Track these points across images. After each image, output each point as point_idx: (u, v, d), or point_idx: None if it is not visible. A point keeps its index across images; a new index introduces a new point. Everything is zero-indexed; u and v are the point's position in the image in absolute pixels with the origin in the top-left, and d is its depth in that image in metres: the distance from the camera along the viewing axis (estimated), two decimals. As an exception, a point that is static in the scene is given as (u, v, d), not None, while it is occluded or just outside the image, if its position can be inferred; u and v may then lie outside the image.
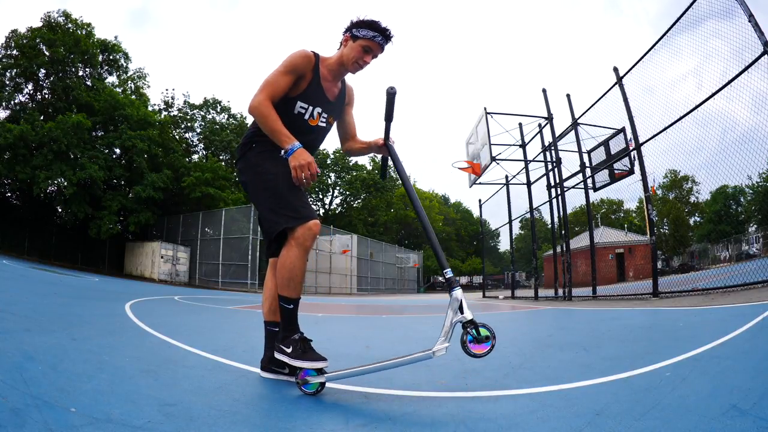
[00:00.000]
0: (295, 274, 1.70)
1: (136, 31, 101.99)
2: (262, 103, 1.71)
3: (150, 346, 2.70)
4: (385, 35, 1.80)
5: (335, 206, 45.96)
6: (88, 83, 24.50)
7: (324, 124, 1.91)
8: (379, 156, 2.08)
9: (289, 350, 1.67)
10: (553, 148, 11.20)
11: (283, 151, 1.71)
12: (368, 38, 1.79)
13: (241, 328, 4.39)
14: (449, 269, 1.59)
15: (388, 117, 1.79)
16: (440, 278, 42.65)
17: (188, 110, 31.50)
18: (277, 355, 1.71)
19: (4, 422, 1.16)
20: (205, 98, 32.08)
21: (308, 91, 1.81)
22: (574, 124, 10.36)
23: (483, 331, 1.46)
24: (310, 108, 1.83)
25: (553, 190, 11.32)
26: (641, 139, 7.91)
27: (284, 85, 1.75)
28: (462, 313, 1.49)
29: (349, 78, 2.00)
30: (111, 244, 24.13)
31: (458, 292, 1.52)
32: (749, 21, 5.62)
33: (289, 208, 1.70)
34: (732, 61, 6.04)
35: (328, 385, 1.81)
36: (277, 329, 1.82)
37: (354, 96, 2.07)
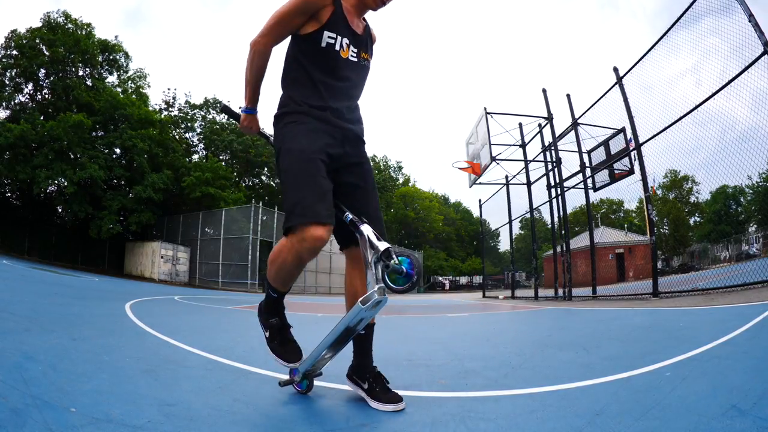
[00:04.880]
0: (284, 272, 1.54)
1: (132, 31, 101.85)
2: (264, 50, 1.55)
3: (150, 346, 2.70)
4: None
5: (335, 206, 45.88)
6: (89, 83, 24.50)
7: (355, 59, 1.62)
8: None
9: (267, 334, 1.65)
10: (553, 148, 11.20)
11: (243, 107, 1.67)
12: None
13: (241, 328, 4.39)
14: (348, 213, 1.50)
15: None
16: (440, 278, 42.64)
17: (189, 110, 31.52)
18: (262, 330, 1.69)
19: (4, 422, 1.16)
20: (205, 98, 32.14)
21: (333, 19, 1.55)
22: (574, 124, 10.36)
23: (402, 260, 1.36)
24: (339, 38, 1.55)
25: (553, 190, 11.32)
26: (641, 139, 7.91)
27: (294, 26, 1.54)
28: (375, 248, 1.38)
29: None
30: (111, 244, 24.13)
31: (365, 228, 1.43)
32: (749, 21, 5.62)
33: (296, 201, 1.44)
34: (731, 58, 6.04)
35: (328, 385, 1.81)
36: (362, 332, 1.61)
37: (376, 41, 1.78)
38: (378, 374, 1.61)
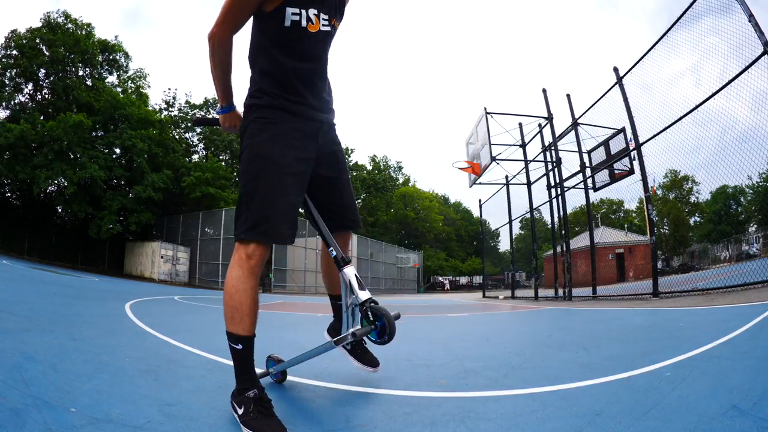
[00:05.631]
0: (238, 301, 1.32)
1: (131, 32, 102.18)
2: (222, 40, 1.38)
3: (150, 346, 2.70)
4: None
5: (335, 206, 45.97)
6: (89, 83, 24.52)
7: (328, 28, 1.45)
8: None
9: (240, 411, 1.27)
10: (553, 148, 11.21)
11: (218, 107, 1.57)
12: None
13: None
14: (333, 248, 1.45)
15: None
16: (440, 278, 42.67)
17: (189, 110, 31.52)
18: (233, 413, 1.34)
19: (4, 422, 1.16)
20: (205, 98, 32.13)
21: None
22: (574, 124, 10.36)
23: (373, 317, 1.30)
24: (303, 11, 1.38)
25: (553, 190, 11.32)
26: (641, 139, 7.91)
27: (251, 7, 1.34)
28: (354, 294, 1.34)
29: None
30: (111, 244, 24.14)
31: (348, 270, 1.38)
32: (749, 21, 5.62)
33: (248, 213, 1.36)
34: (730, 57, 6.04)
35: (328, 385, 1.81)
36: (339, 302, 1.57)
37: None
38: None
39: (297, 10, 1.36)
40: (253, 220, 1.34)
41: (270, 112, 1.43)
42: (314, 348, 1.54)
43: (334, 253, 1.43)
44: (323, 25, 1.43)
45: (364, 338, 1.41)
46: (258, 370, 1.47)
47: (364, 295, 1.33)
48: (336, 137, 1.66)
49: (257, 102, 1.45)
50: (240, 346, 1.33)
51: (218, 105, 1.56)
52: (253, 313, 1.35)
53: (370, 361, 1.75)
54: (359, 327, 1.36)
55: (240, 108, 1.56)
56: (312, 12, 1.39)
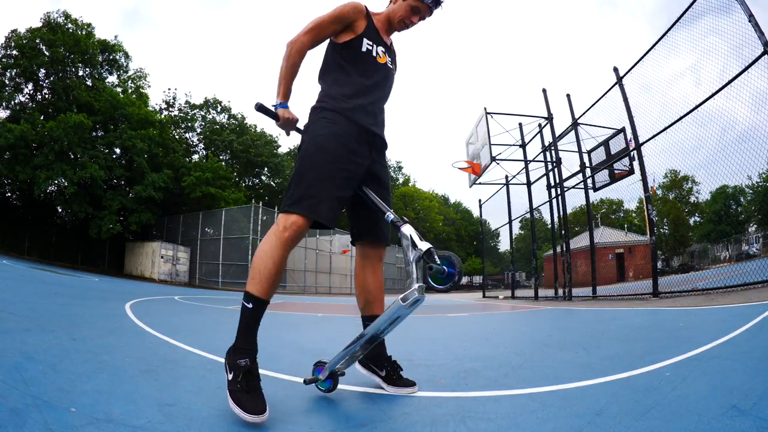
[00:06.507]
0: (264, 266, 1.46)
1: (131, 32, 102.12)
2: (302, 47, 1.68)
3: (150, 346, 2.70)
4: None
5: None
6: (89, 83, 24.49)
7: (390, 66, 1.84)
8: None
9: (230, 376, 1.36)
10: (553, 148, 11.21)
11: (276, 103, 1.69)
12: None
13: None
14: (390, 213, 1.56)
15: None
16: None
17: (189, 110, 31.52)
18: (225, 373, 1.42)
19: (4, 422, 1.16)
20: (205, 98, 32.11)
21: (368, 30, 1.76)
22: (574, 124, 10.36)
23: (442, 260, 1.42)
24: (375, 46, 1.76)
25: (553, 190, 11.32)
26: (641, 139, 7.91)
27: (329, 32, 1.72)
28: (416, 247, 1.42)
29: None
30: (111, 244, 24.12)
31: (406, 228, 1.46)
32: (749, 21, 5.62)
33: (295, 190, 1.55)
34: (730, 57, 6.05)
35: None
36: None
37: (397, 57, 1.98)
38: (394, 362, 1.76)
39: (371, 43, 1.75)
40: (299, 195, 1.52)
41: (332, 115, 1.66)
42: (383, 318, 1.44)
43: (391, 216, 1.54)
44: (388, 62, 1.82)
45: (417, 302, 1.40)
46: (298, 379, 1.67)
47: (425, 245, 1.42)
48: (385, 159, 1.88)
49: (323, 105, 1.70)
50: (251, 305, 1.44)
51: (276, 100, 1.69)
52: (273, 280, 1.47)
53: (408, 383, 1.72)
54: (419, 286, 1.39)
55: (292, 109, 1.73)
56: (380, 49, 1.78)
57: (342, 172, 1.57)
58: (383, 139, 1.80)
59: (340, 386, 1.74)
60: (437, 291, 1.45)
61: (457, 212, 57.80)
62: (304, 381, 1.64)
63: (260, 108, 1.72)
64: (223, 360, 1.45)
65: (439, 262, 1.43)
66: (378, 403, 1.58)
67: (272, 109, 1.67)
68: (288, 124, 1.69)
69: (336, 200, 1.55)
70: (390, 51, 1.85)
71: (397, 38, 1.96)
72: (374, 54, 1.75)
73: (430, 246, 1.43)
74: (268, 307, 1.49)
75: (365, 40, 1.72)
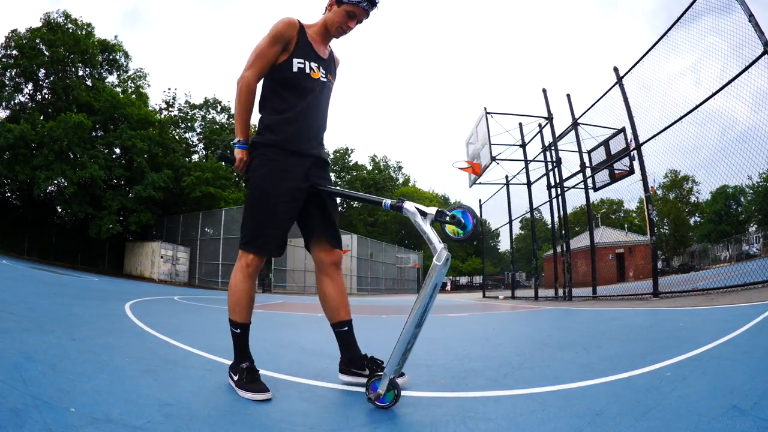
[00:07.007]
0: (239, 298, 1.74)
1: (130, 32, 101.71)
2: (249, 83, 1.73)
3: (150, 346, 2.70)
4: (369, 0, 1.78)
5: (335, 206, 46.01)
6: (89, 83, 24.48)
7: (325, 80, 1.86)
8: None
9: (235, 378, 1.67)
10: (553, 148, 11.20)
11: (235, 141, 1.78)
12: (353, 3, 1.77)
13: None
14: (387, 201, 1.60)
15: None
16: (440, 278, 42.59)
17: (188, 110, 31.49)
18: (229, 381, 1.73)
19: (4, 422, 1.16)
20: (205, 98, 32.04)
21: (299, 48, 1.78)
22: (574, 124, 10.36)
23: (456, 214, 1.52)
24: (307, 63, 1.79)
25: (553, 190, 11.32)
26: (641, 139, 7.91)
27: (272, 56, 1.74)
28: (425, 215, 1.50)
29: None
30: (111, 244, 24.12)
31: (408, 204, 1.53)
32: (749, 21, 5.62)
33: (249, 228, 1.73)
34: (730, 57, 6.04)
35: (327, 385, 1.81)
36: (344, 329, 1.86)
37: (340, 64, 2.02)
38: (373, 359, 1.83)
39: (302, 61, 1.77)
40: (250, 236, 1.73)
41: (269, 150, 1.74)
42: (428, 289, 1.41)
43: (389, 202, 1.59)
44: (322, 76, 1.84)
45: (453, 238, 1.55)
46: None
47: (432, 209, 1.52)
48: (329, 174, 1.95)
49: (260, 140, 1.77)
50: (239, 330, 1.75)
51: (236, 139, 1.78)
52: (249, 307, 1.77)
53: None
54: (440, 246, 1.44)
55: None
56: (313, 64, 1.81)
57: (283, 206, 1.72)
58: (324, 159, 1.88)
59: (340, 386, 1.75)
60: (458, 241, 1.55)
61: (457, 212, 57.68)
62: (368, 399, 1.50)
63: (221, 157, 1.81)
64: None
65: (450, 213, 1.53)
66: (378, 403, 1.57)
67: (232, 152, 1.77)
68: (242, 168, 1.78)
69: (282, 233, 1.75)
70: (326, 62, 1.86)
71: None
72: (307, 71, 1.78)
73: (438, 208, 1.51)
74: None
75: (295, 60, 1.76)
